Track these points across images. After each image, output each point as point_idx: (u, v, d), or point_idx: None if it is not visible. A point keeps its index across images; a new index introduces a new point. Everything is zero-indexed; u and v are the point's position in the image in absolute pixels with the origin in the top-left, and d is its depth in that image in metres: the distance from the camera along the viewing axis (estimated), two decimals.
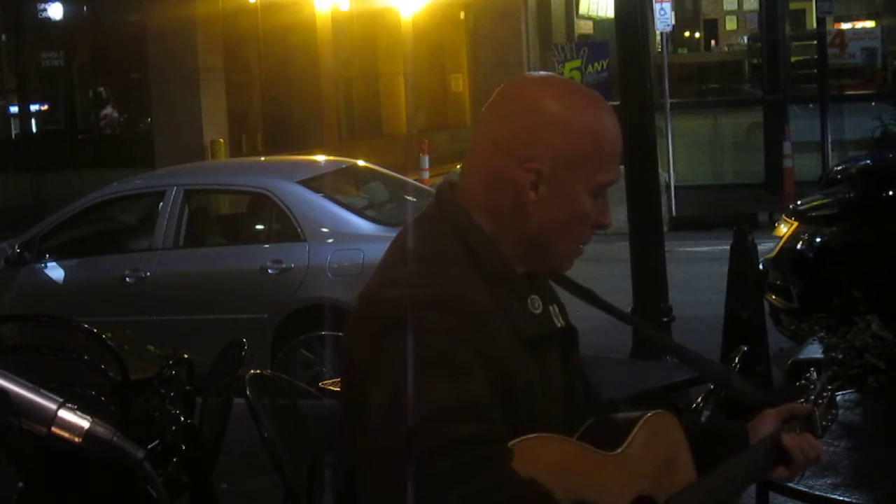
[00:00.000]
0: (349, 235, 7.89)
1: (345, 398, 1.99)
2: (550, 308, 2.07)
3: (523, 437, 1.84)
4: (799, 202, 8.93)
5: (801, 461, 2.24)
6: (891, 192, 8.30)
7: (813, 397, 2.36)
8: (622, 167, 2.45)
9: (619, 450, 1.95)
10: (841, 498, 3.17)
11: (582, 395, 2.13)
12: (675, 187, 15.47)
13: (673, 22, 16.54)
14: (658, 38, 15.71)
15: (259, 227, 8.77)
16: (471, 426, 1.79)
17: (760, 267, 7.85)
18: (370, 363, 1.89)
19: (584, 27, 21.97)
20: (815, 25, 18.17)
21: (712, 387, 4.17)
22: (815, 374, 2.44)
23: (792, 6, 19.72)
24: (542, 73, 2.13)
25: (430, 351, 1.83)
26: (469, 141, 2.07)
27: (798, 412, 2.30)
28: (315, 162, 10.22)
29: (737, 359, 4.46)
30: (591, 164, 1.98)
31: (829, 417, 2.38)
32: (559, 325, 2.08)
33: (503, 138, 1.98)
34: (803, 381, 2.41)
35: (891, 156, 11.38)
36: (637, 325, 3.02)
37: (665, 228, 8.69)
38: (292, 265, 7.95)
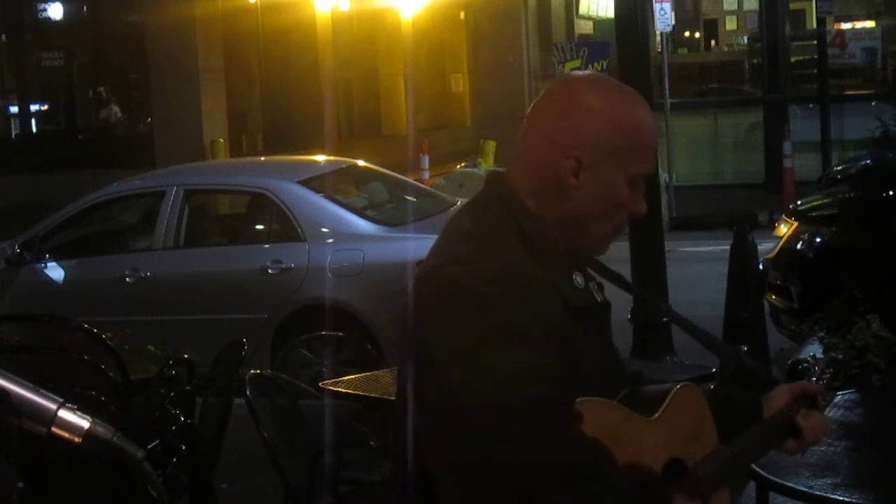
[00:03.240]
0: (349, 235, 7.87)
1: (407, 376, 2.08)
2: (590, 284, 2.24)
3: (580, 399, 1.99)
4: (799, 202, 8.92)
5: (810, 439, 2.42)
6: (891, 192, 8.30)
7: (814, 379, 2.53)
8: None
9: (655, 416, 2.12)
10: (841, 498, 3.18)
11: (617, 365, 2.29)
12: (675, 187, 15.47)
13: (673, 22, 16.52)
14: (658, 38, 15.70)
15: (259, 227, 8.77)
16: (545, 388, 1.93)
17: (760, 267, 7.85)
18: (438, 338, 2.00)
19: (584, 27, 21.94)
20: (815, 25, 18.17)
21: (712, 387, 4.22)
22: (814, 359, 2.62)
23: (792, 6, 19.71)
24: (587, 72, 2.36)
25: (497, 321, 1.97)
26: (517, 135, 2.24)
27: (808, 390, 2.46)
28: (315, 162, 10.21)
29: None
30: (628, 155, 2.18)
31: (828, 398, 2.56)
32: (599, 299, 2.25)
33: (549, 130, 2.18)
34: (804, 365, 2.59)
35: (891, 156, 11.38)
36: (664, 310, 3.26)
37: (665, 228, 8.68)
38: (292, 265, 7.95)
